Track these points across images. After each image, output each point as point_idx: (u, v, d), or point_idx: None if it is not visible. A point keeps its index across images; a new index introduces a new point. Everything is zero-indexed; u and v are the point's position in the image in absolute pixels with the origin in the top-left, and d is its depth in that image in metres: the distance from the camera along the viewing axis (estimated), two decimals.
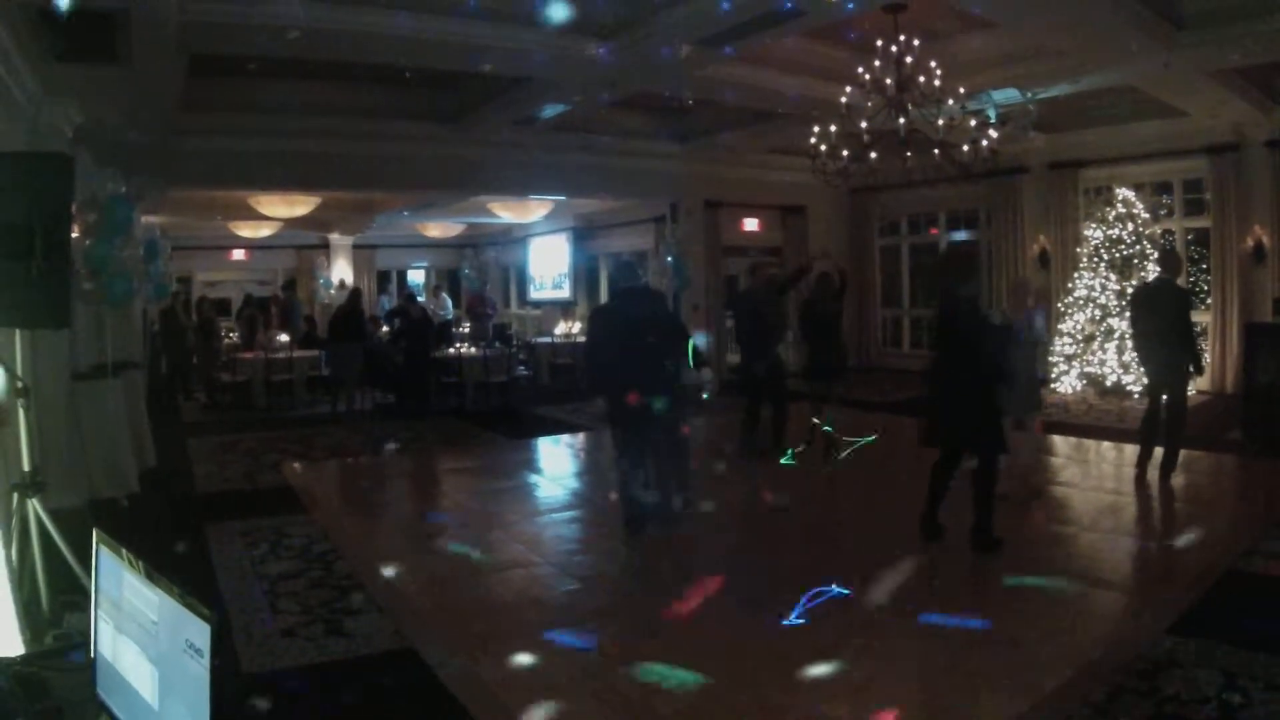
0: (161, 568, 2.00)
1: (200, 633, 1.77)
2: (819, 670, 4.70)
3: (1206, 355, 14.35)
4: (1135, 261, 13.89)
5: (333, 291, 22.70)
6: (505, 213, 19.85)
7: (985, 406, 6.62)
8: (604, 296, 22.06)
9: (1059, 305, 14.94)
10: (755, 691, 4.44)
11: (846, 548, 7.22)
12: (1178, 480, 8.77)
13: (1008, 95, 11.12)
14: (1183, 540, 7.02)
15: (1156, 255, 12.54)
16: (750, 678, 4.61)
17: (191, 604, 1.82)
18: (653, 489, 7.46)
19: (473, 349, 16.55)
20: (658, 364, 7.20)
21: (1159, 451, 8.78)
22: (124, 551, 2.16)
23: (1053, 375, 14.58)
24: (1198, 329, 14.34)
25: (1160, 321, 8.67)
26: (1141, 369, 9.73)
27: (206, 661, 1.74)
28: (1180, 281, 9.48)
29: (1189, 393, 9.25)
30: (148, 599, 2.00)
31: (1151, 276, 13.37)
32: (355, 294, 15.67)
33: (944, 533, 6.85)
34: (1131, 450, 9.35)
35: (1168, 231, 15.07)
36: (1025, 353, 7.91)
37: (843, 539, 7.49)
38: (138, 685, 2.05)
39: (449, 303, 23.91)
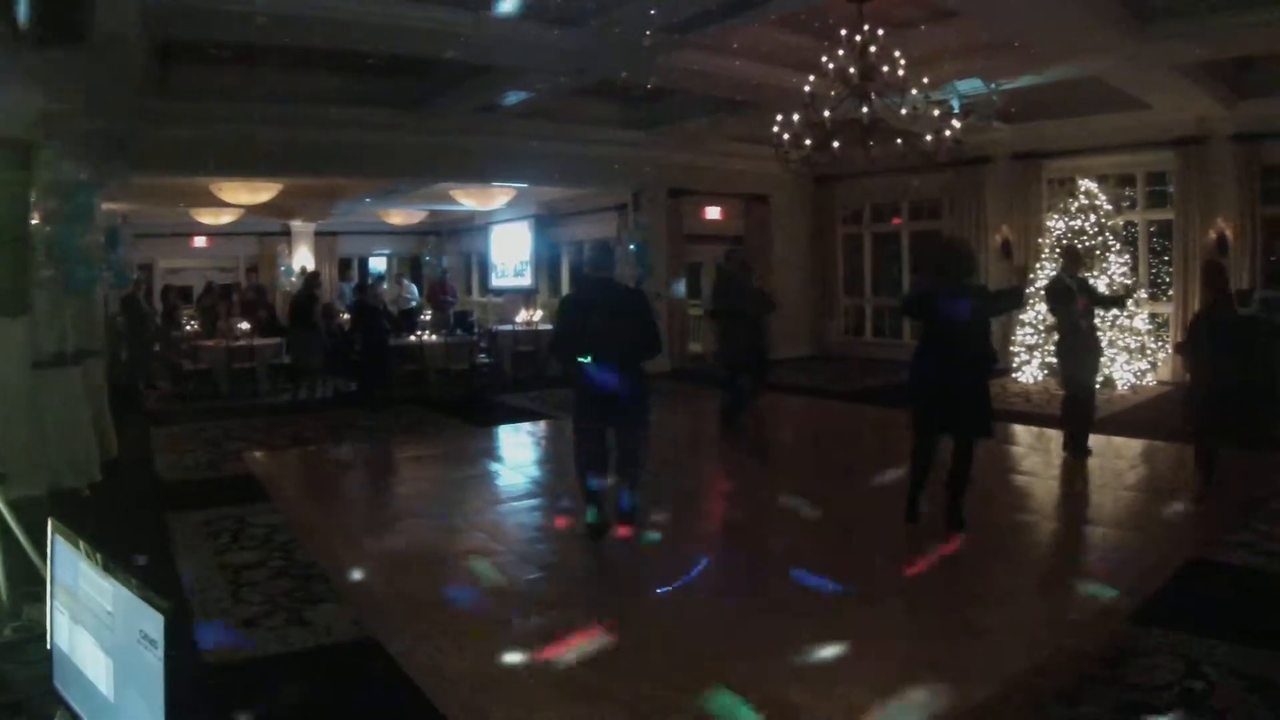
0: (123, 558, 1.98)
1: (155, 624, 1.75)
2: (783, 656, 4.73)
3: (1167, 347, 14.48)
4: (1098, 253, 13.98)
5: (293, 279, 22.46)
6: (467, 200, 19.73)
7: (981, 388, 6.85)
8: (565, 284, 22.05)
9: None
10: (718, 677, 4.46)
11: (818, 534, 7.28)
12: (1141, 470, 8.94)
13: (972, 85, 11.18)
14: (1145, 529, 7.14)
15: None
16: (714, 663, 4.63)
17: (147, 595, 1.80)
18: (613, 483, 7.43)
19: (434, 336, 16.48)
20: (623, 354, 7.10)
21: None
22: (81, 542, 2.14)
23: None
24: (1160, 319, 14.60)
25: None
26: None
27: (161, 652, 1.72)
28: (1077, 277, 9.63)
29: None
30: (103, 589, 1.98)
31: (1116, 269, 13.59)
32: (312, 278, 15.45)
33: (921, 516, 6.97)
34: (1093, 440, 9.45)
35: (1130, 223, 15.18)
36: None
37: (818, 525, 7.54)
38: (94, 677, 2.03)
39: (414, 289, 23.77)
